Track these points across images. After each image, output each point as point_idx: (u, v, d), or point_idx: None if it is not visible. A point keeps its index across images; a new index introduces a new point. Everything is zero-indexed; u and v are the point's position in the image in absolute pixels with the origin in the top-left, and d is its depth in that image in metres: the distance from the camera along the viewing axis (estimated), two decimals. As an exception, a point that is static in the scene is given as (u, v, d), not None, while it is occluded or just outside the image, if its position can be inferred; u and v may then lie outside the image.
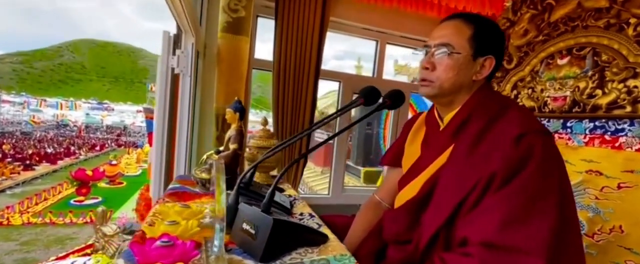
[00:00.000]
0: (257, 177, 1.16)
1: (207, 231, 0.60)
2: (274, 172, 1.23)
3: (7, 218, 12.66)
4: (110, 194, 17.10)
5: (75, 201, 15.31)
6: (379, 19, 2.46)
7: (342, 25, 2.43)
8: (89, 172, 16.36)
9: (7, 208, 13.35)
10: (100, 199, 16.03)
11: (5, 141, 28.49)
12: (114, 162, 20.47)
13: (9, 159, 20.97)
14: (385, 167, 1.21)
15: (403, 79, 7.44)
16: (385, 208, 1.09)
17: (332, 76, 2.56)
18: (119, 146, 33.89)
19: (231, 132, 1.02)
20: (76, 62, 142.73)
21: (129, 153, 26.81)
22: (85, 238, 12.75)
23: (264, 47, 2.62)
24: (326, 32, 2.17)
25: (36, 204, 14.41)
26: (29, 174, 18.96)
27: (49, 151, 25.93)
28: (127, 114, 58.77)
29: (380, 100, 0.88)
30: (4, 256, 10.68)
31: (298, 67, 2.09)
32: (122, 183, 19.07)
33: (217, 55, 1.58)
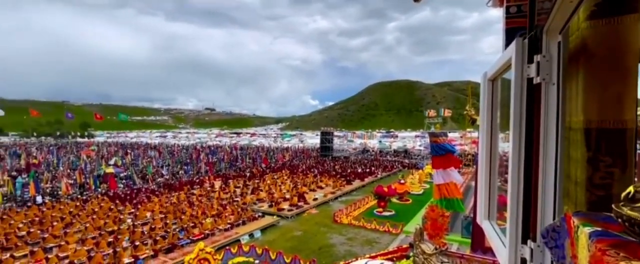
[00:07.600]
0: None
1: None
2: None
3: (340, 218, 17.79)
4: (401, 209, 19.80)
5: (377, 211, 19.09)
6: None
7: None
8: (385, 189, 19.88)
9: (340, 210, 18.85)
10: (393, 212, 18.98)
11: (336, 163, 41.20)
12: (402, 181, 23.63)
13: (338, 176, 29.98)
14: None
15: None
16: None
17: None
18: (404, 167, 39.18)
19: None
20: (371, 102, 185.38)
21: (412, 174, 30.23)
22: (385, 244, 15.34)
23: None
24: None
25: (354, 210, 19.33)
26: (348, 188, 26.10)
27: (358, 170, 34.74)
28: (407, 139, 67.95)
29: None
30: (338, 245, 14.99)
31: None
32: (408, 200, 21.65)
33: (581, 51, 1.19)
